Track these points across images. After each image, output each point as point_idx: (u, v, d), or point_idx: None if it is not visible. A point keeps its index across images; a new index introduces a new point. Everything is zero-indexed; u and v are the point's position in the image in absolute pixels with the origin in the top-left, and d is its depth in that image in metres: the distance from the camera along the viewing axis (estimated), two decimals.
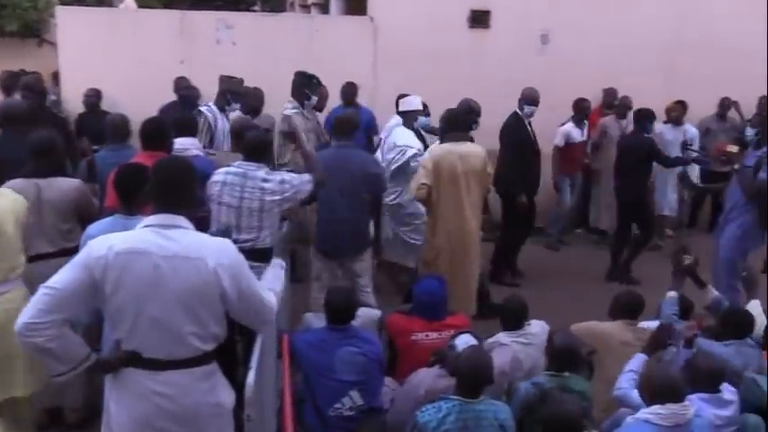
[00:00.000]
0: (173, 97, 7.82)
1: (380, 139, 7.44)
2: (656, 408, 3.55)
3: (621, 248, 7.80)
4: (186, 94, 7.67)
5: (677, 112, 8.82)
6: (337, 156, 5.62)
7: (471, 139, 6.01)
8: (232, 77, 7.22)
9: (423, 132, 7.10)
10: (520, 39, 9.01)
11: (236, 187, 4.64)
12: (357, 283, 5.61)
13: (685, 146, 8.42)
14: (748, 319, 4.51)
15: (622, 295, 4.90)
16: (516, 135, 7.31)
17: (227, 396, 3.04)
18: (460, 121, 6.00)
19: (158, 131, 4.61)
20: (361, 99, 8.31)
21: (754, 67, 8.98)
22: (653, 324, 4.85)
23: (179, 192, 2.90)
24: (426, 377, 4.16)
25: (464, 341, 4.11)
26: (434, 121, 6.85)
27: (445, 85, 7.99)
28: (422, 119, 7.16)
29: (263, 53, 8.46)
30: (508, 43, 9.00)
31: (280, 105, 7.05)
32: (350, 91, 8.06)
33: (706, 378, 3.90)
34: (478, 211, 5.99)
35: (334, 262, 5.75)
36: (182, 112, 6.67)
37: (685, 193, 9.35)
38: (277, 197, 4.69)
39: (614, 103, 8.93)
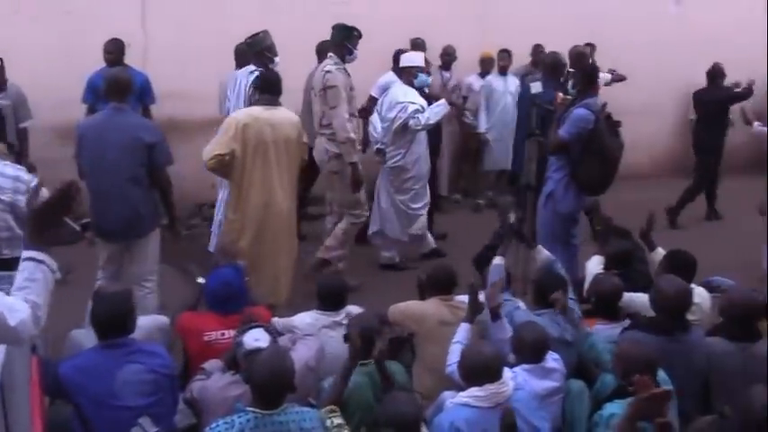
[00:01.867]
0: None
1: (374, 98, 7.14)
2: (473, 390, 3.42)
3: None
4: None
5: (505, 62, 8.63)
6: (109, 120, 4.87)
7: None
8: None
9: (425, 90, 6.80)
10: None
11: None
12: (137, 277, 4.89)
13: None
14: (562, 286, 4.29)
15: (432, 271, 4.55)
16: None
17: None
18: (273, 84, 5.31)
19: None
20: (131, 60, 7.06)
21: (568, 13, 8.98)
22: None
23: None
24: (213, 386, 3.56)
25: (253, 338, 3.54)
26: None
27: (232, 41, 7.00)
28: (422, 76, 6.71)
29: None
30: None
31: None
32: (114, 49, 6.80)
33: (531, 349, 3.73)
34: (292, 185, 5.35)
35: (115, 247, 5.00)
36: None
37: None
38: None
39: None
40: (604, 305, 4.35)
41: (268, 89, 5.30)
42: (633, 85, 8.35)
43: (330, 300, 4.35)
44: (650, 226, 5.02)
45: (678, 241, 5.52)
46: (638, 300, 4.29)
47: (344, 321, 4.18)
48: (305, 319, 4.31)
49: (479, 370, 3.38)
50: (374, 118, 6.72)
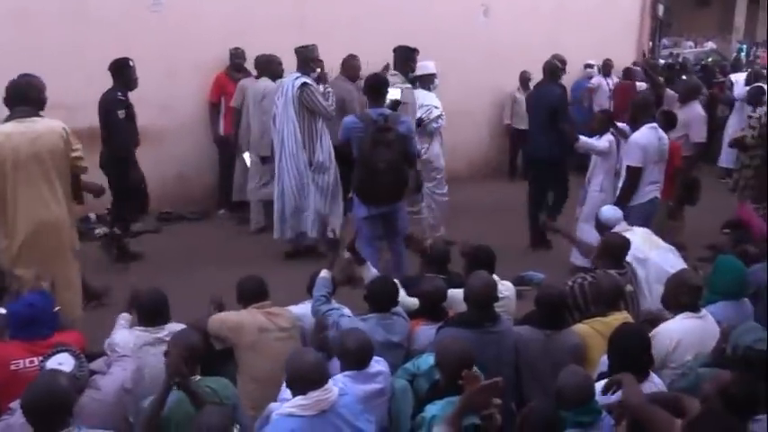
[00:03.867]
0: None
1: None
2: (298, 399, 3.37)
3: None
4: None
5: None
6: None
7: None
8: None
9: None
10: None
11: None
12: None
13: None
14: (391, 291, 4.37)
15: (245, 281, 4.47)
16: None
17: None
18: (30, 94, 4.77)
19: None
20: None
21: (385, 21, 9.20)
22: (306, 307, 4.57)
23: None
24: (17, 422, 3.29)
25: (57, 362, 3.33)
26: None
27: (37, 52, 6.76)
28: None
29: None
30: (115, 2, 7.81)
31: None
32: None
33: (354, 356, 3.75)
34: (67, 196, 4.88)
35: None
36: None
37: None
38: None
39: (243, 64, 8.31)
40: (428, 306, 4.47)
41: (24, 99, 4.74)
42: (447, 92, 8.68)
43: (151, 316, 4.15)
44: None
45: None
46: (459, 297, 4.43)
47: (167, 338, 3.99)
48: (126, 336, 4.10)
49: (302, 377, 3.35)
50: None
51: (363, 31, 9.11)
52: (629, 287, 4.88)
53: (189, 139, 8.28)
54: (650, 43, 14.06)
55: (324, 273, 4.50)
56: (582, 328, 4.29)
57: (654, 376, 3.81)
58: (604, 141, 6.73)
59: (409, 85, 6.92)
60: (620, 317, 4.30)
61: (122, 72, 6.61)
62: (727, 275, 4.66)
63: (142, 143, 6.91)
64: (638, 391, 3.36)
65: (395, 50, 6.89)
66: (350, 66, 7.71)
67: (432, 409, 3.47)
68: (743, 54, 24.53)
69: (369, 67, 7.70)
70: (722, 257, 4.90)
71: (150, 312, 4.16)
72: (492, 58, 9.77)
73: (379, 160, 5.50)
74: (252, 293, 4.35)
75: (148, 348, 4.04)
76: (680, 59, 15.55)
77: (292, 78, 6.76)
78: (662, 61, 14.42)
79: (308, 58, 6.85)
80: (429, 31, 9.55)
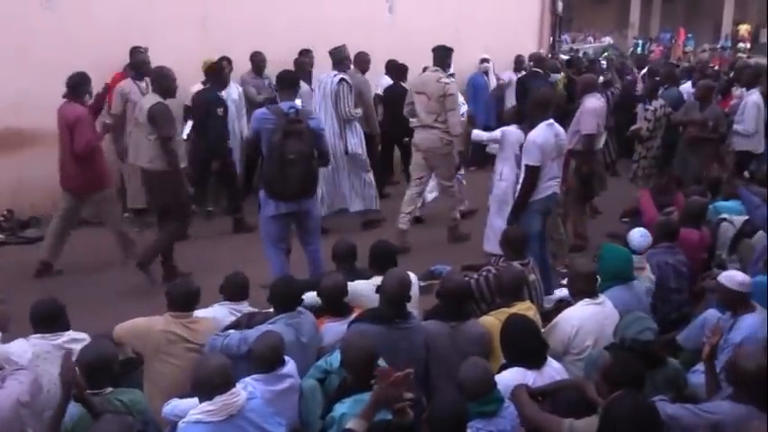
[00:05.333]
0: None
1: None
2: (204, 405, 3.34)
3: None
4: None
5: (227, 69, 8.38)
6: None
7: None
8: None
9: None
10: None
11: None
12: None
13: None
14: (294, 290, 4.36)
15: (170, 288, 4.36)
16: None
17: None
18: None
19: None
20: None
21: (289, 18, 9.14)
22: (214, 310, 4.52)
23: None
24: None
25: None
26: None
27: None
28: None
29: None
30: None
31: None
32: None
33: (265, 360, 3.74)
34: None
35: None
36: None
37: None
38: None
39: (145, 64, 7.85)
40: (331, 302, 4.47)
41: None
42: None
43: (46, 323, 4.01)
44: None
45: None
46: (361, 289, 4.45)
47: (67, 345, 3.89)
48: (22, 345, 3.94)
49: (208, 382, 3.31)
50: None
51: (267, 29, 9.04)
52: (531, 276, 5.03)
53: None
54: (551, 38, 14.49)
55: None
56: (487, 319, 4.39)
57: (552, 361, 3.97)
58: (496, 132, 7.20)
59: (454, 80, 7.79)
60: (523, 306, 4.43)
61: (219, 74, 7.81)
62: (613, 261, 4.90)
63: (38, 146, 6.64)
64: (527, 402, 3.55)
65: (434, 50, 7.74)
66: (362, 60, 8.52)
67: (340, 408, 3.48)
68: (638, 49, 25.58)
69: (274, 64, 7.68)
70: (606, 246, 5.17)
71: (45, 319, 4.00)
72: (397, 54, 9.84)
73: (289, 151, 5.45)
74: (178, 302, 4.24)
75: (48, 357, 3.90)
76: (580, 54, 16.09)
77: (331, 75, 7.73)
78: (563, 56, 14.86)
79: (341, 57, 7.87)
80: (334, 29, 9.56)
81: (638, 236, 5.31)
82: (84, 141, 6.25)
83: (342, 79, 7.72)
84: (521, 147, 6.34)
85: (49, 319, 4.02)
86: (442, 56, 7.72)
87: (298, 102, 6.14)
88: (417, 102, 7.52)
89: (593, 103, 7.24)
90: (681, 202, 6.54)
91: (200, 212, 8.14)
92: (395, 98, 8.64)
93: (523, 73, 11.03)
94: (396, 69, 9.38)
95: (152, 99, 6.16)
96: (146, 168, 6.27)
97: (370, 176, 8.11)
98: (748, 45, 26.54)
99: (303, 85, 8.13)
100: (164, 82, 6.22)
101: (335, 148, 7.66)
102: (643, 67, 13.54)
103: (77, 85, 6.32)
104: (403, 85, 8.94)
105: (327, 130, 7.34)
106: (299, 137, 5.51)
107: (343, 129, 7.81)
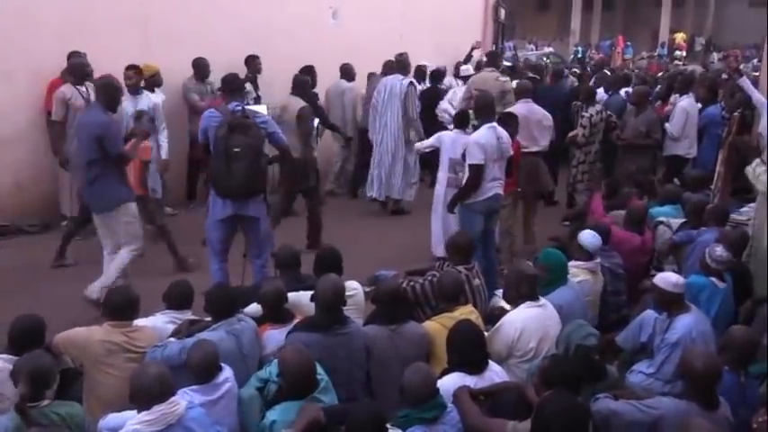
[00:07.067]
0: None
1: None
2: (143, 415, 3.29)
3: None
4: None
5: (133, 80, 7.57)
6: None
7: None
8: None
9: None
10: None
11: None
12: None
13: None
14: (230, 296, 4.35)
15: (109, 295, 4.26)
16: None
17: None
18: None
19: None
20: None
21: (232, 21, 9.06)
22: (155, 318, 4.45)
23: None
24: None
25: None
26: None
27: None
28: None
29: None
30: None
31: None
32: None
33: (201, 369, 3.69)
34: None
35: None
36: None
37: None
38: None
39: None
40: (271, 309, 4.42)
41: None
42: None
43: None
44: None
45: None
46: (304, 299, 4.41)
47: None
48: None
49: (145, 391, 3.27)
50: (446, 105, 9.68)
51: (210, 32, 8.91)
52: (476, 281, 5.08)
53: (25, 148, 7.79)
54: (494, 45, 14.66)
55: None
56: (430, 325, 4.42)
57: (493, 365, 4.02)
58: (432, 138, 7.56)
59: (508, 78, 9.03)
60: (465, 310, 4.47)
61: (304, 86, 7.92)
62: (558, 263, 5.00)
63: None
64: (470, 405, 3.58)
65: (487, 55, 9.51)
66: (404, 63, 9.19)
67: (271, 415, 3.48)
68: (579, 55, 26.11)
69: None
70: (547, 251, 5.23)
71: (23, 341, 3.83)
72: (342, 60, 9.86)
73: (234, 145, 5.38)
74: (117, 309, 4.12)
75: None
76: (522, 61, 16.32)
77: (399, 79, 8.85)
78: (506, 63, 15.04)
79: (406, 63, 9.12)
80: (278, 33, 9.53)
81: (590, 236, 5.40)
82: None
83: (410, 82, 8.93)
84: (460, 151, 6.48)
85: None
86: (495, 57, 9.47)
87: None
88: None
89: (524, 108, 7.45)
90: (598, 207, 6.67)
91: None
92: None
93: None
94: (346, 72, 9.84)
95: (97, 115, 5.66)
96: None
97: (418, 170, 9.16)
98: (684, 53, 27.30)
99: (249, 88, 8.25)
100: (113, 93, 5.80)
101: (397, 141, 8.89)
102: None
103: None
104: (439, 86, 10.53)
105: (393, 125, 8.83)
106: (244, 131, 5.44)
107: (406, 124, 8.84)
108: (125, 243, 5.79)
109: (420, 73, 10.48)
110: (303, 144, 7.45)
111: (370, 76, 9.86)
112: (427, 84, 10.65)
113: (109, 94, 5.74)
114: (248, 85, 8.64)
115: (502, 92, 8.31)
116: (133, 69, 7.47)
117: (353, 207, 9.47)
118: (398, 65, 9.10)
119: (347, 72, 9.81)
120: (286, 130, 6.76)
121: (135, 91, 7.45)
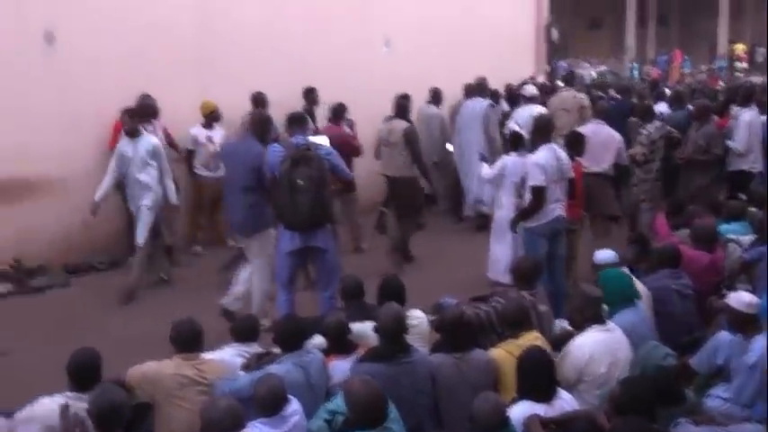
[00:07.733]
0: None
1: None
2: None
3: None
4: None
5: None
6: None
7: None
8: None
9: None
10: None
11: None
12: None
13: None
14: (298, 328, 4.35)
15: (179, 325, 4.23)
16: None
17: None
18: None
19: None
20: None
21: (286, 57, 9.22)
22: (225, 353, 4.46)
23: None
24: None
25: None
26: None
27: None
28: None
29: None
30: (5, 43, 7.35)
31: None
32: None
33: (267, 403, 3.68)
34: None
35: None
36: None
37: None
38: None
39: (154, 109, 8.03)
40: (334, 340, 4.44)
41: None
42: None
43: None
44: None
45: None
46: (369, 329, 4.42)
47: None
48: (46, 404, 3.77)
49: (216, 425, 3.31)
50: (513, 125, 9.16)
51: (266, 68, 9.07)
52: (542, 307, 5.00)
53: (92, 187, 8.02)
54: (548, 66, 14.60)
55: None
56: (496, 352, 4.36)
57: (563, 393, 3.92)
58: (497, 164, 7.49)
59: (584, 95, 10.04)
60: (530, 336, 4.39)
61: (405, 109, 8.17)
62: (615, 286, 4.84)
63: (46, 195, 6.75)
64: None
65: (564, 77, 11.56)
66: (483, 86, 10.06)
67: None
68: (635, 72, 25.70)
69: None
70: (604, 272, 5.06)
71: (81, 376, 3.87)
72: (394, 88, 9.88)
73: (298, 177, 5.45)
74: (184, 341, 4.16)
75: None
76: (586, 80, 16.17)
77: (480, 101, 9.55)
78: (560, 83, 14.93)
79: (485, 87, 10.01)
80: (331, 64, 9.63)
81: (602, 254, 5.57)
82: None
83: (491, 104, 9.62)
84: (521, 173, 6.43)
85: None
86: (570, 78, 11.54)
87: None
88: (560, 117, 8.74)
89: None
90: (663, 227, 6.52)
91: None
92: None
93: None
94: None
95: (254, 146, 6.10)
96: None
97: None
98: (745, 65, 26.62)
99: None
100: (266, 126, 6.38)
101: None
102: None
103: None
104: None
105: (475, 144, 9.19)
106: (307, 163, 5.52)
107: (486, 143, 9.25)
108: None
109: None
110: (416, 162, 7.86)
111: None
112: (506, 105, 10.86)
113: (263, 126, 6.30)
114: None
115: (581, 107, 9.07)
116: (128, 113, 7.29)
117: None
118: (478, 87, 9.86)
119: (436, 96, 10.04)
120: (394, 151, 7.64)
121: (133, 134, 7.16)
